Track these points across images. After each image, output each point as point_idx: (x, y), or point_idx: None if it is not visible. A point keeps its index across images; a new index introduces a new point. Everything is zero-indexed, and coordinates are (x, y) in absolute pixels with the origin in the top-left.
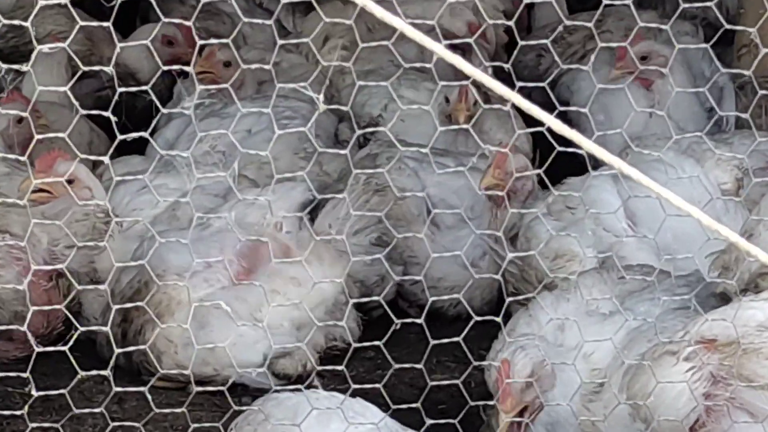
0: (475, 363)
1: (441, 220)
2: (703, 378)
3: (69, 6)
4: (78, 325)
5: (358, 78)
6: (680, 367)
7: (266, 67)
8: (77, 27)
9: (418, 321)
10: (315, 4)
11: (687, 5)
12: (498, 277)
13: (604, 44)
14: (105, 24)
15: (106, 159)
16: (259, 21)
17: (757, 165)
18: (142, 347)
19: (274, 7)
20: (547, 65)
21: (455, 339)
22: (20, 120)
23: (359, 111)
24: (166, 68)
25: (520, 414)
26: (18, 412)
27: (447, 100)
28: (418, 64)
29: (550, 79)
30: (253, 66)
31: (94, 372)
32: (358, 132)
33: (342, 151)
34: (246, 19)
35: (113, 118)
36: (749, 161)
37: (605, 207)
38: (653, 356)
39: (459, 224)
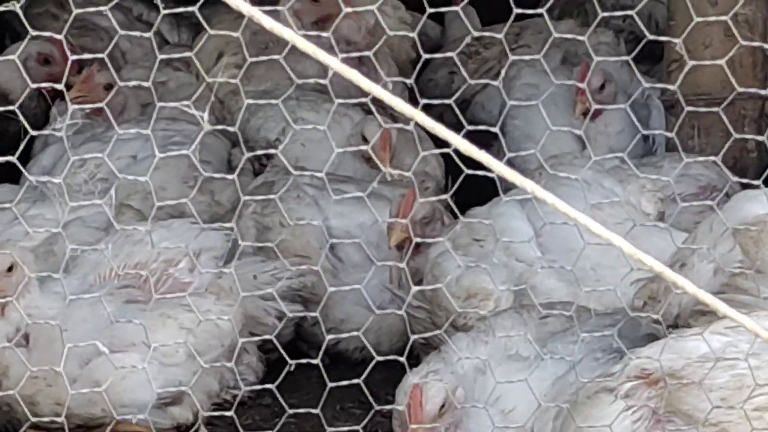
0: (377, 407)
1: (345, 255)
2: (644, 417)
3: None
4: None
5: (254, 99)
6: (618, 406)
7: (146, 84)
8: None
9: (314, 361)
10: (199, 17)
11: (608, 14)
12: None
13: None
14: None
15: None
16: (137, 34)
17: (689, 191)
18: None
19: (155, 20)
20: (460, 83)
21: (355, 381)
22: None
23: (255, 135)
24: (35, 86)
25: None
26: None
27: (365, 139)
28: (312, 80)
29: (456, 96)
30: (131, 84)
31: None
32: (247, 155)
33: (229, 176)
34: (123, 32)
35: None
36: (680, 187)
37: (516, 235)
38: (588, 394)
39: (365, 262)
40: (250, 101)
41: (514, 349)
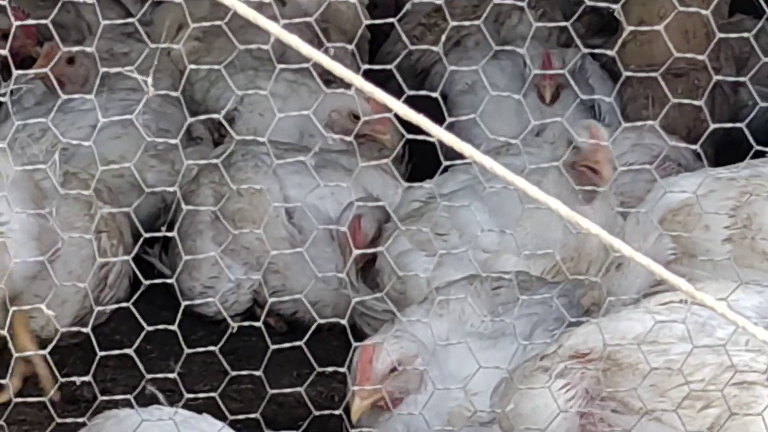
0: (319, 369)
1: (305, 225)
2: (578, 396)
3: None
4: None
5: (213, 70)
6: (553, 385)
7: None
8: None
9: (256, 324)
10: None
11: None
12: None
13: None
14: None
15: None
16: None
17: (642, 159)
18: None
19: None
20: (419, 55)
21: (297, 343)
22: None
23: (214, 105)
24: None
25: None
26: None
27: (355, 116)
28: (254, 46)
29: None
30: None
31: None
32: (190, 120)
33: (170, 140)
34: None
35: None
36: (633, 156)
37: (478, 227)
38: (524, 373)
39: (324, 233)
40: (206, 67)
41: (469, 322)
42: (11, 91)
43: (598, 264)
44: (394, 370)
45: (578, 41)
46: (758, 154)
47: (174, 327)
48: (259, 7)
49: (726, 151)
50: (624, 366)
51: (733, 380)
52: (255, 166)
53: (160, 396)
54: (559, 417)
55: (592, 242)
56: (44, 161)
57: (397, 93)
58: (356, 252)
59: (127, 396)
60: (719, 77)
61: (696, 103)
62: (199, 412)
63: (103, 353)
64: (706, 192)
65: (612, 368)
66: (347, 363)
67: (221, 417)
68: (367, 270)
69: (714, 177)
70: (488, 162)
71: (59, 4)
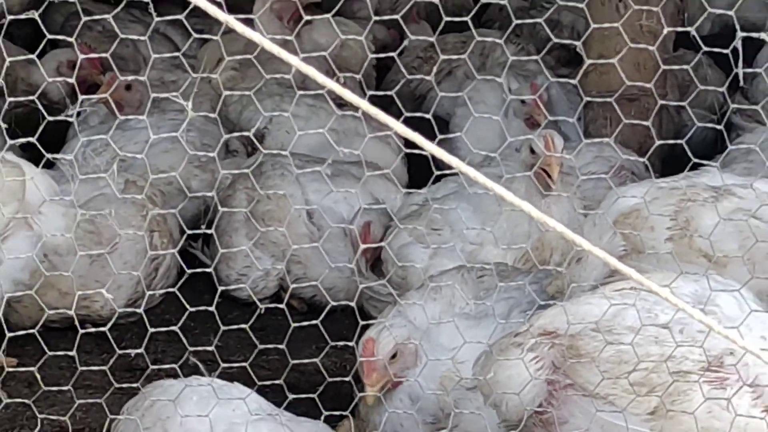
0: (333, 343)
1: (322, 224)
2: (545, 366)
3: None
4: None
5: (245, 95)
6: (525, 357)
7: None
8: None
9: (281, 306)
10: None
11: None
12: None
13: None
14: (28, 56)
15: None
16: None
17: (602, 170)
18: None
19: (171, 33)
20: (417, 83)
21: (314, 321)
22: None
23: (246, 124)
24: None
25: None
26: None
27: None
28: (278, 75)
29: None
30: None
31: None
32: (227, 136)
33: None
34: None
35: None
36: (594, 166)
37: (465, 224)
38: (501, 347)
39: (339, 230)
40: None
41: (458, 305)
42: (78, 113)
43: (559, 251)
44: (393, 356)
45: (547, 72)
46: (696, 167)
47: (212, 308)
48: (284, 44)
49: (670, 163)
50: (583, 355)
51: (672, 369)
52: (280, 174)
53: (201, 366)
54: (530, 384)
55: (551, 235)
56: (105, 171)
57: (398, 115)
58: (363, 246)
59: (174, 365)
60: (665, 102)
61: (645, 123)
62: (233, 380)
63: (153, 330)
64: (651, 199)
65: (573, 356)
66: (355, 339)
67: (251, 384)
68: (374, 261)
69: (658, 186)
70: (472, 172)
71: (118, 40)
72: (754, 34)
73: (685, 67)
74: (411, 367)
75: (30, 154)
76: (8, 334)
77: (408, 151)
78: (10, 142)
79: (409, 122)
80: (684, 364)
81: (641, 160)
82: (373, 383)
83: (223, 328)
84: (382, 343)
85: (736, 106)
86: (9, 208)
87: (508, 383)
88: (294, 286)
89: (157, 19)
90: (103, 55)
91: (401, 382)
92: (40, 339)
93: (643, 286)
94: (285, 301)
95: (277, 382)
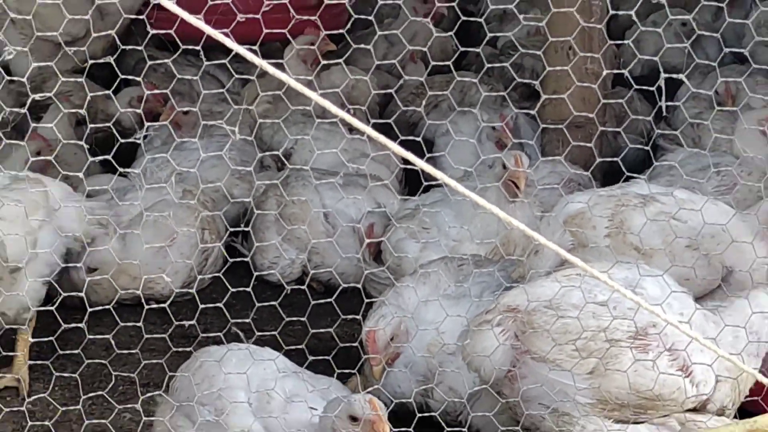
0: (344, 317)
1: (336, 223)
2: (510, 336)
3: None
4: None
5: (276, 123)
6: (495, 331)
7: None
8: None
9: (303, 287)
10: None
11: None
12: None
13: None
14: (106, 92)
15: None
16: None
17: (555, 181)
18: None
19: (218, 74)
20: (410, 113)
21: (329, 300)
22: (38, 152)
23: (277, 145)
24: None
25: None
26: None
27: None
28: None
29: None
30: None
31: None
32: (261, 155)
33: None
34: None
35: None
36: (550, 179)
37: (448, 225)
38: (475, 324)
39: (350, 231)
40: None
41: (442, 287)
42: (145, 136)
43: (521, 246)
44: (391, 339)
45: (512, 105)
46: (628, 179)
47: (249, 289)
48: (307, 83)
49: (609, 176)
50: (537, 327)
51: (607, 338)
52: (303, 185)
53: (241, 334)
54: (498, 350)
55: (515, 232)
56: (166, 182)
57: (395, 138)
58: (368, 241)
59: (219, 334)
60: (604, 128)
61: (589, 145)
62: (265, 345)
63: (203, 306)
64: (593, 204)
65: (530, 328)
66: (362, 313)
67: (279, 348)
68: (376, 253)
69: (599, 194)
70: (453, 183)
71: (176, 79)
72: (675, 75)
73: (620, 101)
74: (405, 343)
75: (107, 168)
76: (89, 309)
77: (403, 166)
78: (91, 159)
79: (404, 144)
80: (616, 334)
81: (586, 174)
82: (378, 363)
83: (257, 304)
84: (380, 334)
85: (660, 131)
86: (38, 213)
87: (482, 350)
88: (314, 271)
89: (206, 63)
90: (165, 91)
91: (398, 355)
92: (114, 313)
93: (587, 273)
94: (306, 283)
95: (299, 347)
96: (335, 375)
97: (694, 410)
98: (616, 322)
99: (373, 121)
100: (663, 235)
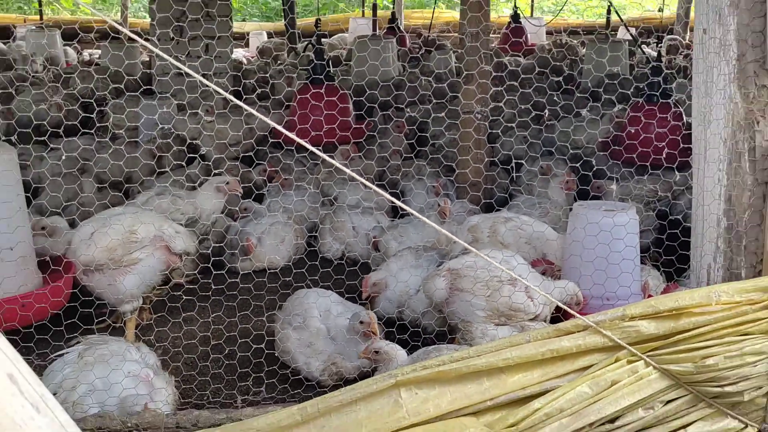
0: (361, 276)
1: (359, 231)
2: (448, 281)
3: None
4: None
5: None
6: (441, 279)
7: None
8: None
9: (342, 262)
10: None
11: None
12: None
13: None
14: (249, 168)
15: None
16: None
17: (462, 211)
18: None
19: (303, 159)
20: (396, 179)
21: (354, 267)
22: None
23: (330, 194)
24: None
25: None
26: None
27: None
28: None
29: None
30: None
31: None
32: (323, 198)
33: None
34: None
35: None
36: (460, 210)
37: (413, 234)
38: (430, 276)
39: (365, 236)
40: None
41: (410, 261)
42: (267, 189)
43: (446, 243)
44: (374, 285)
45: (442, 175)
46: (498, 210)
47: (317, 263)
48: (345, 166)
49: (487, 209)
50: (463, 277)
51: (495, 281)
52: (342, 212)
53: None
54: (442, 287)
55: (443, 236)
56: (278, 211)
57: (386, 189)
58: (373, 240)
59: (303, 284)
60: (486, 186)
61: (478, 194)
62: (328, 289)
63: (296, 270)
64: (481, 221)
65: (459, 278)
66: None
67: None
68: (376, 246)
69: (484, 216)
70: (415, 213)
71: (282, 162)
72: (519, 161)
73: (494, 173)
74: (383, 290)
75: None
76: (241, 271)
77: (390, 204)
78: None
79: (391, 193)
80: (501, 278)
81: (477, 207)
82: (366, 293)
83: (321, 270)
84: (367, 281)
85: (512, 188)
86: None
87: (434, 287)
88: (348, 254)
89: (297, 155)
90: (276, 168)
91: (378, 294)
92: (254, 275)
93: (479, 254)
94: (345, 259)
95: (340, 290)
96: (359, 303)
97: (533, 320)
98: (499, 274)
99: (377, 182)
100: (515, 237)
